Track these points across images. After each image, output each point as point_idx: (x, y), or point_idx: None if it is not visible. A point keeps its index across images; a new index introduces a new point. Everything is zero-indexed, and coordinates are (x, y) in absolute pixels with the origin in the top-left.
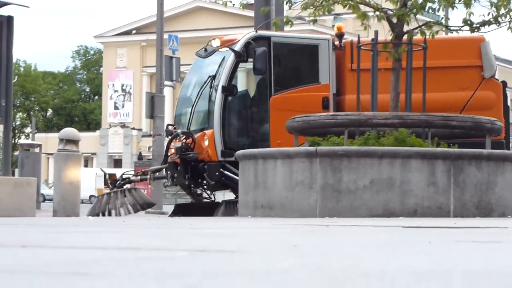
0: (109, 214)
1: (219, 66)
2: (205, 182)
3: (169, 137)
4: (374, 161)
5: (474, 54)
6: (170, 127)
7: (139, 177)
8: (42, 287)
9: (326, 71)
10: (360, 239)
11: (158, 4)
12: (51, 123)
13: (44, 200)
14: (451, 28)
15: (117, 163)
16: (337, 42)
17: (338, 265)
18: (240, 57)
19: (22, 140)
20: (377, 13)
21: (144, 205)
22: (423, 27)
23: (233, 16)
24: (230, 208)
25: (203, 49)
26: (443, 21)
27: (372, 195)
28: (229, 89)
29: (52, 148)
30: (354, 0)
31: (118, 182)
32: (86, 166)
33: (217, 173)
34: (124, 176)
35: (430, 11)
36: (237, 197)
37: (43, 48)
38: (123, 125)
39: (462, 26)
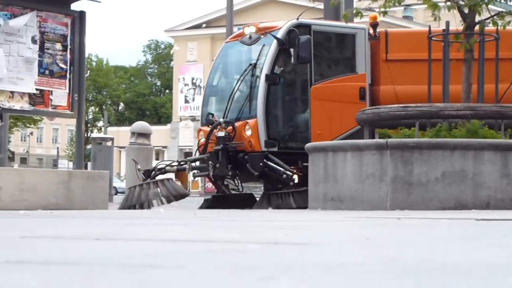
0: (141, 207)
1: (259, 54)
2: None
3: (210, 126)
4: (446, 153)
5: (511, 47)
6: (210, 116)
7: (175, 167)
8: (119, 279)
9: (363, 60)
10: (433, 232)
11: None
12: (122, 117)
13: (116, 193)
14: None
15: (188, 156)
16: (371, 32)
17: (412, 258)
18: (283, 45)
19: (95, 134)
20: (448, 3)
21: (177, 196)
22: (495, 17)
23: (302, 9)
24: (271, 199)
25: (248, 36)
26: None
27: (444, 187)
28: (272, 78)
29: (124, 141)
30: None
31: (153, 172)
32: (157, 159)
33: (260, 164)
34: (159, 167)
35: (502, 0)
36: (277, 188)
37: (114, 43)
38: (193, 119)
39: None
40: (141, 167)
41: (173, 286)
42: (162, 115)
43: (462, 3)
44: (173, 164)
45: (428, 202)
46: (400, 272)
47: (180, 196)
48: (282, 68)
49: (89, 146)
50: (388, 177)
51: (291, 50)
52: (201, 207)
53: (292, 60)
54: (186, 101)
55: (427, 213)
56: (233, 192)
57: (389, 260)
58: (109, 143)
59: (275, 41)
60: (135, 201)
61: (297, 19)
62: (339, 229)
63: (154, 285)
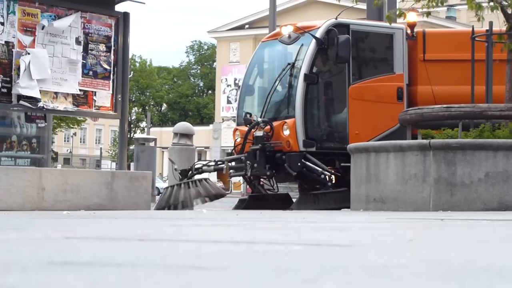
0: (176, 207)
1: (297, 53)
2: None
3: (247, 125)
4: (489, 154)
5: None
6: (247, 116)
7: (212, 167)
8: (163, 281)
9: (400, 60)
10: (477, 233)
11: None
12: (165, 117)
13: (159, 193)
14: None
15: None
16: (409, 32)
17: (456, 260)
18: (322, 44)
19: (138, 135)
20: (491, 3)
21: (213, 196)
22: None
23: (346, 10)
24: (309, 200)
25: (287, 35)
26: None
27: (487, 188)
28: (311, 77)
29: (166, 142)
30: None
31: (190, 172)
32: (199, 159)
33: (299, 164)
34: (196, 166)
35: None
36: (315, 188)
37: (158, 44)
38: (236, 119)
39: None
40: (178, 167)
41: None
42: (204, 116)
43: (506, 3)
44: (210, 164)
45: (471, 203)
46: (444, 274)
47: (215, 196)
48: (320, 68)
49: (132, 147)
50: (431, 178)
51: (330, 49)
52: (236, 208)
53: (331, 60)
54: (229, 102)
55: (470, 214)
56: (268, 192)
57: (433, 262)
58: (152, 144)
59: (313, 40)
60: (171, 201)
61: (336, 18)
62: (382, 230)
63: (198, 287)
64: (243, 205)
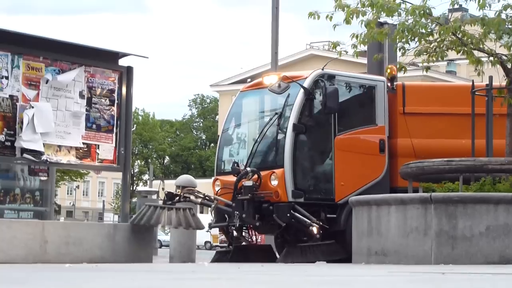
0: (150, 225)
1: (284, 103)
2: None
3: (235, 175)
4: (490, 207)
5: None
6: (235, 165)
7: (199, 200)
8: None
9: (382, 112)
10: (479, 287)
11: (273, 52)
12: (168, 170)
13: (161, 246)
14: None
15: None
16: (389, 84)
17: None
18: (310, 94)
19: (140, 187)
20: (491, 58)
21: (194, 228)
22: None
23: (346, 64)
24: (296, 252)
25: (277, 85)
26: None
27: (488, 241)
28: (300, 127)
29: None
30: (468, 46)
31: (177, 198)
32: (201, 212)
33: (288, 215)
34: (185, 194)
35: None
36: (302, 241)
37: (161, 97)
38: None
39: None
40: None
41: None
42: (207, 169)
43: (505, 58)
44: (199, 195)
45: (472, 257)
46: None
47: (196, 228)
48: (308, 118)
49: (134, 199)
50: (432, 231)
51: (318, 99)
52: (215, 260)
53: (319, 110)
54: (231, 155)
55: (472, 267)
56: (243, 244)
57: None
58: (154, 196)
59: (301, 90)
60: (152, 222)
61: (322, 69)
62: (384, 284)
63: None
64: (225, 257)
